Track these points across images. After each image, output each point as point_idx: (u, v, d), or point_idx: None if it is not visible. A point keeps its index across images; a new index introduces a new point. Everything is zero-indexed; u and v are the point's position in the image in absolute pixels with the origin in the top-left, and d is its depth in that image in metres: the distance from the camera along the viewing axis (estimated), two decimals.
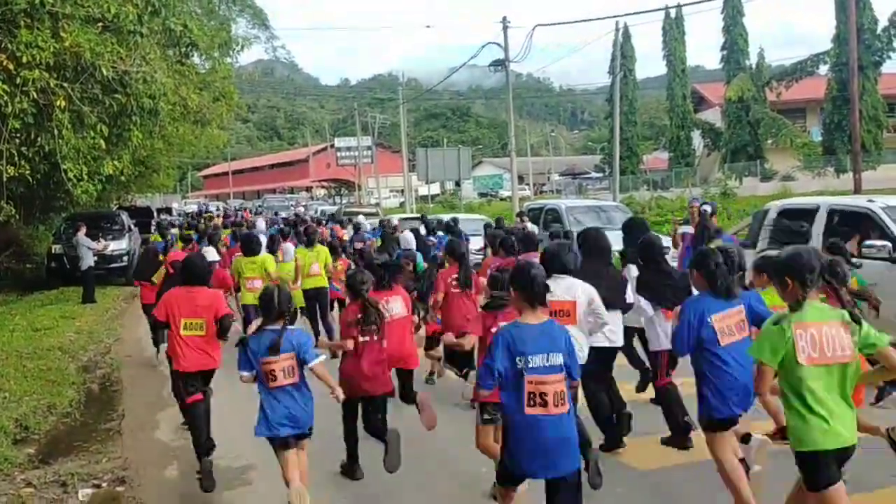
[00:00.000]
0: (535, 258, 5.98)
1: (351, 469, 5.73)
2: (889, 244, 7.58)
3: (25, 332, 12.15)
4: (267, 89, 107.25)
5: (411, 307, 6.32)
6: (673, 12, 46.14)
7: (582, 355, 5.04)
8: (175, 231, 18.17)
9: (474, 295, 7.57)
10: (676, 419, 6.00)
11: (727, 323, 4.58)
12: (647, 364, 6.74)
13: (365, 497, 5.39)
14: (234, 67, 23.13)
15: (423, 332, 7.59)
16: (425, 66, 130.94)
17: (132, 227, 21.37)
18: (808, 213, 8.74)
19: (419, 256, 10.95)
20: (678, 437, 5.99)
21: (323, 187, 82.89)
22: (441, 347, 7.74)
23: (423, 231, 14.21)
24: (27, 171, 10.08)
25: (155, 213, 31.92)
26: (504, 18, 30.52)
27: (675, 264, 8.59)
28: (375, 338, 5.52)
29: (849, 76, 25.70)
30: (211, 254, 10.81)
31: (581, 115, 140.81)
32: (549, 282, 4.80)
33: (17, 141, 9.79)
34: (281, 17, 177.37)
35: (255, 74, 37.44)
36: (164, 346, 7.54)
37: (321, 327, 10.40)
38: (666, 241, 9.58)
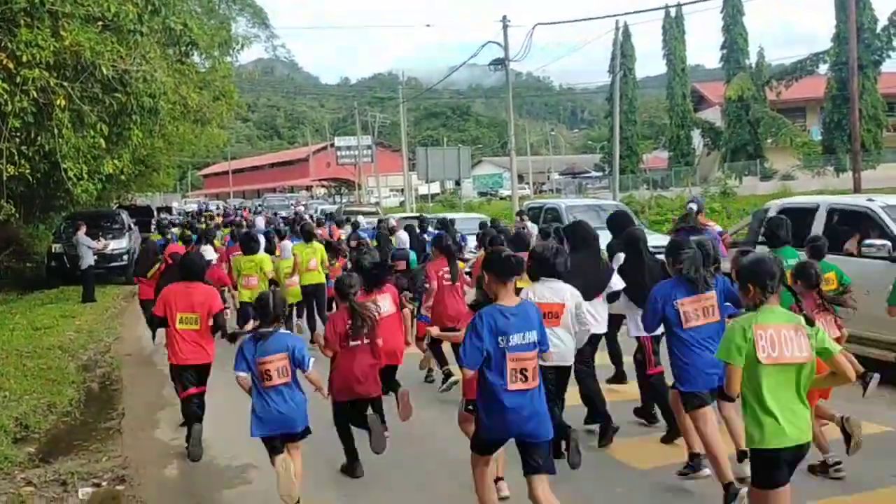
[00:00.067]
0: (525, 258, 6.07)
1: (351, 467, 5.73)
2: (889, 243, 7.58)
3: (25, 330, 12.15)
4: (267, 88, 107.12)
5: (399, 303, 6.43)
6: (673, 11, 46.13)
7: (570, 357, 5.40)
8: (175, 230, 18.21)
9: (460, 287, 7.83)
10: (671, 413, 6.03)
11: (694, 307, 4.96)
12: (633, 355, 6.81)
13: (365, 496, 5.39)
14: (234, 66, 23.13)
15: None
16: (425, 65, 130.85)
17: (132, 226, 21.39)
18: (808, 213, 8.74)
19: (412, 255, 11.17)
20: (676, 432, 6.00)
21: (323, 186, 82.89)
22: (425, 341, 7.93)
23: (418, 229, 14.50)
24: (27, 170, 10.08)
25: (155, 213, 31.94)
26: (504, 17, 30.54)
27: None
28: (366, 341, 5.57)
29: (848, 75, 25.70)
30: (208, 252, 11.04)
31: (581, 114, 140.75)
32: (538, 285, 5.33)
33: (17, 140, 9.79)
34: (281, 16, 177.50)
35: (254, 73, 37.44)
36: (160, 332, 7.93)
37: (318, 323, 10.52)
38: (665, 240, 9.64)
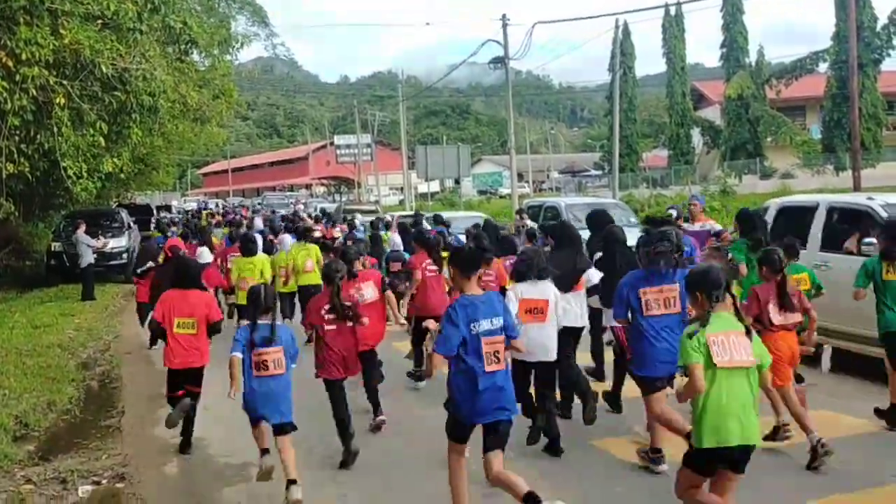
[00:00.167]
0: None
1: (347, 452, 5.85)
2: None
3: (25, 329, 12.15)
4: (266, 87, 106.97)
5: (381, 288, 6.97)
6: (673, 10, 46.17)
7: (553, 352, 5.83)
8: (175, 230, 18.21)
9: (443, 279, 8.07)
10: None
11: (656, 297, 5.28)
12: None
13: (365, 496, 5.39)
14: (234, 65, 23.10)
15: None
16: (425, 64, 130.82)
17: (132, 224, 21.38)
18: (808, 211, 8.73)
19: (405, 256, 11.27)
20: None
21: (323, 185, 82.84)
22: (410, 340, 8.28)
23: (412, 228, 14.39)
24: (27, 169, 10.08)
25: (154, 211, 31.91)
26: (504, 16, 30.51)
27: None
28: (349, 324, 5.97)
29: (848, 74, 25.71)
30: (204, 254, 11.24)
31: (581, 112, 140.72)
32: (525, 285, 5.83)
33: (17, 138, 9.79)
34: (280, 15, 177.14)
35: (254, 72, 37.34)
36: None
37: None
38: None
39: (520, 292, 5.78)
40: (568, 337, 6.26)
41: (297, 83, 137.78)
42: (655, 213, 15.81)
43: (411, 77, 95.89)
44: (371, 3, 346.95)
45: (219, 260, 12.08)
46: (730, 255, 7.62)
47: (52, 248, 18.71)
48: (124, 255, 18.82)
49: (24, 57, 8.75)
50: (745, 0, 44.33)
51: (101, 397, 8.75)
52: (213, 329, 6.43)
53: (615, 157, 33.19)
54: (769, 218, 9.41)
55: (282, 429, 5.26)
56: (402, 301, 8.58)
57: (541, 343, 5.72)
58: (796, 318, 5.78)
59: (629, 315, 5.41)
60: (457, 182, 49.49)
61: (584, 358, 7.61)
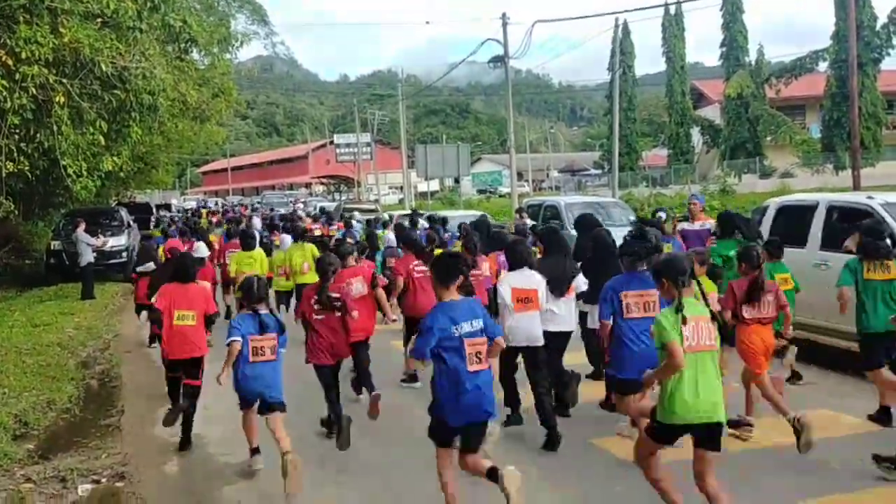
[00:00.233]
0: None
1: (338, 429, 6.07)
2: (888, 240, 7.57)
3: (24, 328, 12.15)
4: (266, 85, 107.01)
5: (371, 283, 7.37)
6: (672, 9, 46.20)
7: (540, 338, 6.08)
8: (174, 229, 18.24)
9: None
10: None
11: (636, 301, 5.47)
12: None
13: (365, 496, 5.39)
14: (234, 63, 23.10)
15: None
16: (424, 63, 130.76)
17: (131, 223, 21.37)
18: (808, 210, 8.73)
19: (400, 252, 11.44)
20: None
21: (322, 184, 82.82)
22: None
23: (408, 225, 14.77)
24: (26, 167, 10.07)
25: (154, 210, 31.92)
26: (503, 15, 30.48)
27: None
28: (338, 315, 6.34)
29: (848, 73, 25.70)
30: (201, 249, 11.40)
31: (580, 111, 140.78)
32: (515, 275, 6.16)
33: (17, 137, 9.79)
34: (280, 13, 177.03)
35: (254, 70, 37.35)
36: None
37: None
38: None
39: (510, 283, 6.09)
40: (559, 340, 6.45)
41: (296, 82, 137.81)
42: (644, 216, 15.93)
43: (411, 76, 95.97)
44: (371, 1, 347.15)
45: (216, 257, 12.25)
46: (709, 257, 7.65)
47: (52, 247, 18.67)
48: (124, 254, 18.79)
49: (23, 55, 8.75)
50: None
51: (101, 396, 8.74)
52: (209, 321, 6.75)
53: (615, 156, 33.18)
54: (769, 217, 9.44)
55: (273, 407, 5.59)
56: (390, 300, 8.55)
57: (530, 330, 6.05)
58: (769, 312, 5.99)
59: (612, 318, 5.60)
60: (456, 181, 49.46)
61: (579, 358, 7.63)
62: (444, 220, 15.52)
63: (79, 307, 14.42)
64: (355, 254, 7.97)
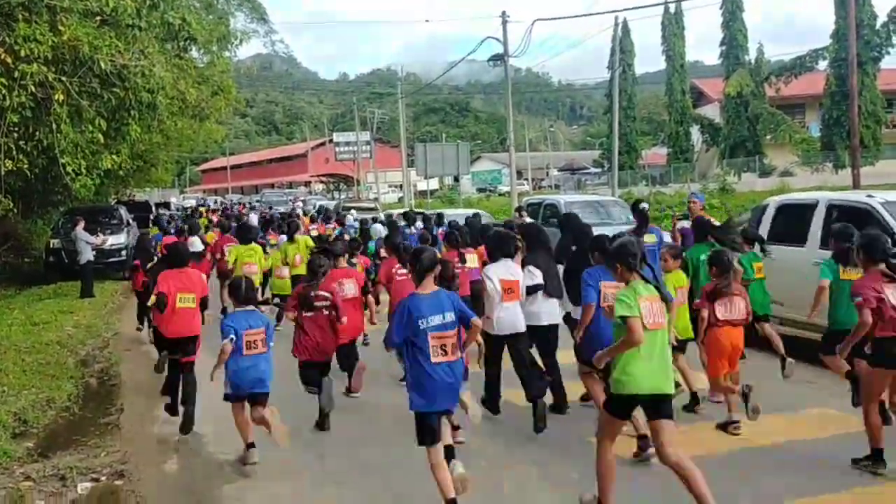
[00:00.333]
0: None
1: (321, 421, 6.53)
2: (888, 239, 7.57)
3: (24, 326, 12.14)
4: (265, 84, 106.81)
5: (363, 288, 7.68)
6: (672, 7, 46.12)
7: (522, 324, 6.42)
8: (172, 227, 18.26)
9: None
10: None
11: (612, 291, 5.53)
12: None
13: (365, 496, 5.39)
14: (233, 61, 23.08)
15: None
16: (424, 61, 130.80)
17: (130, 221, 21.37)
18: (808, 209, 8.73)
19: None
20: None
21: (322, 182, 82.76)
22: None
23: (402, 222, 15.47)
24: (25, 166, 10.06)
25: (153, 208, 31.89)
26: (503, 13, 30.48)
27: None
28: (326, 313, 6.54)
29: (848, 72, 25.73)
30: (196, 244, 11.84)
31: (580, 110, 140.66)
32: (497, 267, 6.46)
33: (16, 135, 9.77)
34: (279, 11, 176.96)
35: (253, 69, 37.39)
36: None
37: None
38: (666, 237, 10.06)
39: (497, 274, 6.39)
40: (546, 334, 6.72)
41: (295, 80, 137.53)
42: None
43: (410, 74, 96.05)
44: (370, 0, 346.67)
45: (213, 251, 12.46)
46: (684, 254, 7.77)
47: (51, 245, 18.66)
48: (123, 252, 18.78)
49: (22, 53, 8.73)
50: None
51: (100, 394, 8.74)
52: (203, 305, 7.21)
53: (614, 155, 33.19)
54: (768, 216, 9.44)
55: (260, 399, 5.85)
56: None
57: (515, 318, 6.40)
58: (740, 315, 6.19)
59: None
60: (456, 180, 49.47)
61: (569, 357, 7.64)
62: (439, 217, 15.83)
63: (78, 305, 14.41)
64: (346, 256, 8.24)
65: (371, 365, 8.22)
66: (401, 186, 56.63)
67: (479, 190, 63.80)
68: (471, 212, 20.89)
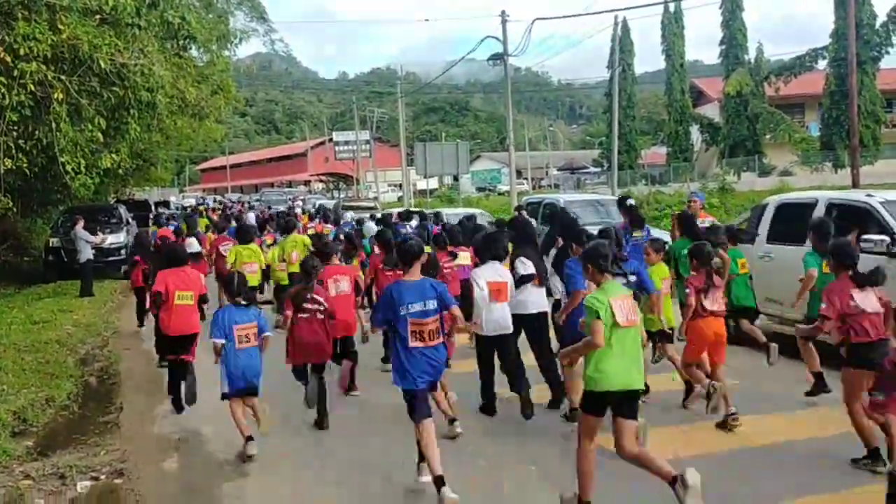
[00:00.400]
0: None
1: (319, 421, 6.61)
2: (887, 238, 7.59)
3: (23, 325, 12.13)
4: (265, 83, 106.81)
5: (356, 286, 7.66)
6: (672, 7, 46.08)
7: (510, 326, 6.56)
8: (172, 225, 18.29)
9: None
10: None
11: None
12: None
13: (365, 496, 5.39)
14: (232, 60, 23.08)
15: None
16: (423, 60, 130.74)
17: (130, 220, 21.35)
18: (807, 208, 8.73)
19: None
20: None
21: (321, 181, 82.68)
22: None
23: (402, 219, 15.60)
24: (24, 164, 10.05)
25: (153, 207, 31.87)
26: (503, 12, 30.44)
27: None
28: (320, 315, 6.56)
29: (847, 71, 25.71)
30: (193, 245, 11.90)
31: (579, 109, 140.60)
32: (485, 269, 6.61)
33: (15, 134, 9.77)
34: (279, 10, 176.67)
35: (252, 67, 37.42)
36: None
37: None
38: (666, 236, 10.11)
39: (485, 276, 6.53)
40: (533, 322, 6.83)
41: (295, 79, 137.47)
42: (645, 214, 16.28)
43: (410, 73, 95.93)
44: None
45: (209, 252, 12.49)
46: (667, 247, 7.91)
47: (51, 244, 18.65)
48: (122, 251, 18.75)
49: (22, 52, 8.73)
50: None
51: (100, 393, 8.74)
52: (202, 301, 7.43)
53: (614, 154, 33.18)
54: (768, 215, 9.44)
55: (252, 392, 6.02)
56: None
57: (503, 319, 6.54)
58: (721, 306, 6.39)
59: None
60: (455, 179, 49.42)
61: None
62: (437, 215, 15.95)
63: (77, 304, 14.41)
64: (339, 254, 8.31)
65: (371, 364, 8.24)
66: (400, 186, 56.60)
67: (479, 189, 63.76)
68: (467, 211, 20.99)
